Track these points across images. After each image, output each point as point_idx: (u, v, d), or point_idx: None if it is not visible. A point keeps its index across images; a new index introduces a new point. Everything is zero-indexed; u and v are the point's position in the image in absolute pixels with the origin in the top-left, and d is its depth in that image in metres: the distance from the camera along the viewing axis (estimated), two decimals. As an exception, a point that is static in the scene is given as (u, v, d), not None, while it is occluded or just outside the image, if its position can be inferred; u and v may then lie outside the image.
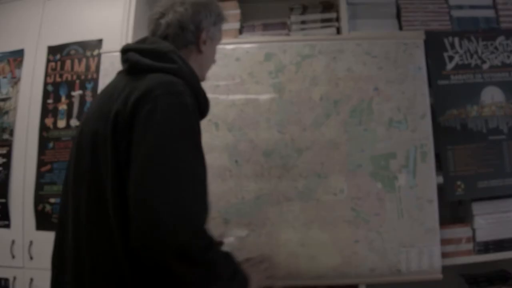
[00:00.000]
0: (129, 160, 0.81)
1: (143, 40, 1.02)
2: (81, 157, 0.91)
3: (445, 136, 1.69)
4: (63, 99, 1.91)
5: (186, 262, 0.76)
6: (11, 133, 1.93)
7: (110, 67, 1.73)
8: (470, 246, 1.65)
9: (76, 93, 1.90)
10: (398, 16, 1.86)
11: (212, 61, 1.16)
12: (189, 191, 0.80)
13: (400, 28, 1.84)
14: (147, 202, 0.76)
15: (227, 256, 0.92)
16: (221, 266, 0.86)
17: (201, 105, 1.00)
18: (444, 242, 1.60)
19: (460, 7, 1.85)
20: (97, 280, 0.85)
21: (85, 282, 0.86)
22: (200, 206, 0.83)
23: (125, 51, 0.98)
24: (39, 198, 1.85)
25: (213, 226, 1.62)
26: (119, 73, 1.01)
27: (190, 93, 0.90)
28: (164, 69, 0.92)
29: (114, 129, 0.84)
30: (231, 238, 1.19)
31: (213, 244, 0.85)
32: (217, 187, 1.63)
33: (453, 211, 1.83)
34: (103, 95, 0.97)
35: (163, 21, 1.01)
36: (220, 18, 1.09)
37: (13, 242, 1.83)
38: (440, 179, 1.66)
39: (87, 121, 0.95)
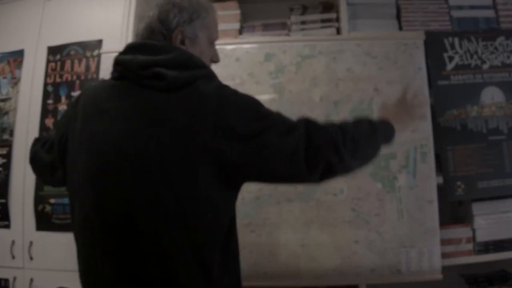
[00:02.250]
0: (237, 157, 0.88)
1: (142, 48, 0.96)
2: (145, 188, 0.87)
3: (445, 137, 1.69)
4: (63, 99, 1.91)
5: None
6: (11, 133, 1.93)
7: (110, 68, 1.72)
8: (470, 246, 1.65)
9: (76, 93, 1.90)
10: (398, 16, 1.86)
11: (207, 61, 1.06)
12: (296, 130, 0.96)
13: (400, 28, 1.84)
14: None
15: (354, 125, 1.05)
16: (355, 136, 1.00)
17: None
18: (444, 242, 1.61)
19: (460, 7, 1.85)
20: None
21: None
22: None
23: (145, 66, 0.92)
24: (39, 199, 1.85)
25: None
26: (134, 87, 0.93)
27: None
28: (201, 75, 0.95)
29: (201, 148, 0.86)
30: None
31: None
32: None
33: (453, 211, 1.83)
34: (140, 117, 0.90)
35: (140, 26, 1.01)
36: (197, 15, 1.00)
37: (13, 242, 1.83)
38: (440, 180, 1.66)
39: (139, 148, 0.88)
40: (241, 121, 0.89)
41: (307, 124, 0.96)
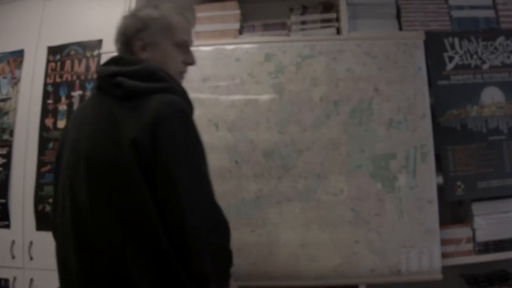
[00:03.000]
0: (157, 181, 0.90)
1: (118, 60, 1.03)
2: (99, 187, 0.94)
3: (445, 137, 1.69)
4: (63, 99, 1.91)
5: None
6: (11, 133, 1.93)
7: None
8: (470, 246, 1.65)
9: (76, 93, 1.90)
10: (398, 16, 1.86)
11: (176, 64, 1.10)
12: (213, 197, 0.98)
13: (400, 28, 1.83)
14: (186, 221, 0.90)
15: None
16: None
17: (192, 110, 1.06)
18: (444, 242, 1.61)
19: (460, 7, 1.85)
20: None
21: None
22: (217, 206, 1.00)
23: (112, 75, 0.99)
24: (39, 199, 1.85)
25: None
26: (103, 97, 1.00)
27: (187, 104, 1.00)
28: (159, 88, 0.97)
29: (135, 156, 0.90)
30: None
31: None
32: (217, 188, 1.61)
33: (453, 211, 1.83)
34: (102, 121, 0.97)
35: (115, 39, 1.09)
36: (152, 21, 1.05)
37: (13, 242, 1.83)
38: (440, 180, 1.66)
39: (92, 149, 0.95)
40: (170, 142, 0.91)
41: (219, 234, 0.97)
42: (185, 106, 0.97)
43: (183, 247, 0.90)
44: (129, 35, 1.06)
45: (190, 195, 0.91)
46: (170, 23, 1.08)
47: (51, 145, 1.88)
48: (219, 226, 0.96)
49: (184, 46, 1.12)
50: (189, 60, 1.14)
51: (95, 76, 1.09)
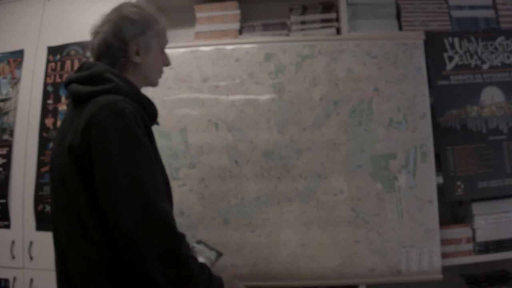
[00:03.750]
0: (94, 184, 0.90)
1: (81, 67, 1.05)
2: (58, 189, 0.98)
3: (445, 137, 1.69)
4: (63, 99, 1.91)
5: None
6: (11, 133, 1.93)
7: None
8: (470, 246, 1.65)
9: (76, 93, 1.90)
10: (398, 16, 1.86)
11: (160, 66, 1.14)
12: (156, 200, 0.91)
13: (400, 28, 1.83)
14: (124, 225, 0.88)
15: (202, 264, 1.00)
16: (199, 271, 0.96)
17: (148, 112, 1.05)
18: (444, 242, 1.61)
19: (460, 7, 1.85)
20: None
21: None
22: (166, 208, 0.92)
23: (67, 84, 1.01)
24: (39, 199, 1.85)
25: (214, 227, 1.63)
26: (69, 105, 1.06)
27: (132, 105, 0.96)
28: (103, 91, 0.96)
29: (73, 161, 0.92)
30: (201, 258, 1.22)
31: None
32: (217, 188, 1.63)
33: (453, 211, 1.83)
34: (60, 129, 1.03)
35: (95, 42, 1.07)
36: (148, 25, 1.07)
37: (13, 242, 1.84)
38: (440, 180, 1.66)
39: (54, 155, 1.03)
40: (101, 146, 0.89)
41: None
42: (123, 106, 0.92)
43: (127, 251, 0.88)
44: (126, 39, 1.04)
45: (124, 198, 0.87)
46: (160, 28, 1.11)
47: (51, 145, 1.88)
48: (160, 229, 0.89)
49: (164, 49, 1.15)
50: (167, 61, 1.17)
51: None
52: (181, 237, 0.93)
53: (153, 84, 1.16)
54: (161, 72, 1.16)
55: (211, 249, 1.31)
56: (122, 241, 0.88)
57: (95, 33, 1.07)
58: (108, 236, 0.90)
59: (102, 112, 0.90)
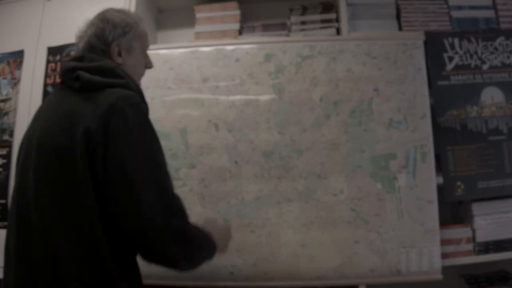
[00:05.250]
0: (107, 170, 0.91)
1: (81, 58, 1.07)
2: (42, 169, 0.97)
3: (445, 137, 1.69)
4: (63, 100, 1.91)
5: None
6: (11, 134, 1.93)
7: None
8: (470, 246, 1.65)
9: (76, 94, 1.90)
10: (398, 16, 1.86)
11: (141, 68, 1.19)
12: (170, 185, 0.99)
13: (400, 28, 1.84)
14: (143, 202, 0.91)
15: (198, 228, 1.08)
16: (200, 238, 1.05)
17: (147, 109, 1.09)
18: (444, 242, 1.61)
19: (460, 7, 1.85)
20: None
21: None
22: (176, 194, 0.99)
23: (72, 69, 1.03)
24: (39, 199, 1.85)
25: (213, 227, 1.62)
26: (65, 89, 1.05)
27: (141, 101, 1.03)
28: (116, 84, 1.01)
29: (86, 144, 0.92)
30: None
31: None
32: (217, 188, 1.63)
33: (453, 211, 1.83)
34: (56, 111, 1.02)
35: (79, 45, 1.12)
36: (129, 28, 1.11)
37: (13, 243, 1.83)
38: (440, 180, 1.66)
39: (44, 135, 0.99)
40: (123, 133, 0.93)
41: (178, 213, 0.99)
42: (138, 101, 0.99)
43: (142, 233, 0.91)
44: (108, 40, 1.09)
45: (145, 183, 0.91)
46: (141, 30, 1.15)
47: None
48: (177, 212, 0.97)
49: (146, 51, 1.19)
50: (149, 64, 1.21)
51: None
52: (188, 218, 1.01)
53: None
54: (142, 74, 1.20)
55: None
56: (136, 221, 0.91)
57: (80, 37, 1.12)
58: (106, 226, 0.92)
59: (121, 102, 0.95)
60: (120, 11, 1.15)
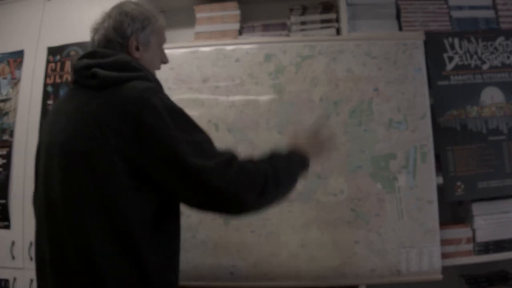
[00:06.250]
0: (149, 163, 0.91)
1: (92, 54, 1.04)
2: (70, 176, 0.94)
3: (445, 137, 1.69)
4: (63, 100, 1.91)
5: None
6: (11, 134, 1.93)
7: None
8: (470, 246, 1.65)
9: (76, 94, 1.90)
10: (398, 16, 1.86)
11: (157, 63, 1.17)
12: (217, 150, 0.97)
13: (400, 28, 1.84)
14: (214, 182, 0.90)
15: (269, 158, 1.05)
16: (273, 169, 1.00)
17: None
18: (444, 242, 1.61)
19: (459, 7, 1.85)
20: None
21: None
22: (229, 157, 0.96)
23: (86, 67, 1.00)
24: (39, 199, 1.85)
25: (214, 227, 1.63)
26: (80, 88, 1.02)
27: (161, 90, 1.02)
28: (134, 77, 0.98)
29: (119, 146, 0.90)
30: None
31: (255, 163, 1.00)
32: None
33: (453, 211, 1.83)
34: (77, 113, 0.98)
35: (95, 38, 1.09)
36: (148, 22, 1.09)
37: (13, 243, 1.83)
38: (440, 180, 1.66)
39: (68, 140, 0.96)
40: (158, 124, 0.91)
41: (233, 157, 0.97)
42: (161, 91, 0.99)
43: (222, 197, 0.91)
44: (127, 34, 1.06)
45: (200, 159, 0.90)
46: (159, 25, 1.13)
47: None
48: (237, 171, 0.94)
49: (162, 46, 1.17)
50: (165, 59, 1.19)
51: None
52: (246, 163, 0.97)
53: None
54: (158, 69, 1.18)
55: None
56: (212, 196, 0.91)
57: (95, 29, 1.09)
58: (147, 228, 0.91)
59: (147, 94, 0.93)
60: (138, 4, 1.11)
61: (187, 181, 0.90)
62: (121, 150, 0.90)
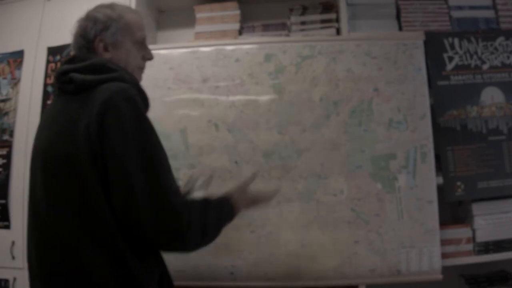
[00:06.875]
0: (108, 169, 0.90)
1: (72, 60, 1.06)
2: (50, 180, 0.96)
3: (445, 137, 1.69)
4: (63, 100, 1.91)
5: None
6: (11, 134, 1.93)
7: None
8: (470, 246, 1.65)
9: (76, 94, 1.90)
10: (398, 16, 1.86)
11: (136, 61, 1.13)
12: (169, 180, 0.95)
13: (400, 28, 1.84)
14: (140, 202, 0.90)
15: (203, 203, 1.04)
16: (202, 214, 1.00)
17: (145, 101, 1.06)
18: (444, 242, 1.61)
19: (460, 7, 1.85)
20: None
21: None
22: (175, 187, 0.97)
23: (65, 73, 1.02)
24: (39, 199, 1.85)
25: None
26: (62, 95, 1.04)
27: (137, 93, 0.99)
28: (109, 78, 0.98)
29: (88, 148, 0.91)
30: (200, 190, 1.32)
31: (188, 204, 1.00)
32: (217, 188, 1.62)
33: (453, 211, 1.83)
34: (58, 118, 1.00)
35: (71, 44, 1.11)
36: (111, 21, 1.08)
37: (13, 243, 1.83)
38: (440, 180, 1.66)
39: (48, 145, 0.98)
40: (117, 127, 0.91)
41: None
42: (134, 94, 0.96)
43: (144, 230, 0.91)
44: (90, 37, 1.07)
45: (137, 176, 0.89)
46: (128, 22, 1.10)
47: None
48: (174, 209, 0.92)
49: (142, 43, 1.14)
50: (148, 56, 1.17)
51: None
52: (184, 214, 0.94)
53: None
54: (139, 67, 1.15)
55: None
56: (132, 215, 0.90)
57: (71, 38, 1.11)
58: (104, 222, 0.90)
59: (116, 97, 0.93)
60: (108, 6, 1.11)
61: (122, 196, 0.90)
62: (91, 153, 0.90)
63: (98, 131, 0.90)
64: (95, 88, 0.96)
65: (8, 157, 1.92)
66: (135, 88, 1.02)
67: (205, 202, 1.05)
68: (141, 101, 0.99)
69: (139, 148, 0.91)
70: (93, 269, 0.90)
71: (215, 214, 1.05)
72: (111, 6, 1.12)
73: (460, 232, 1.66)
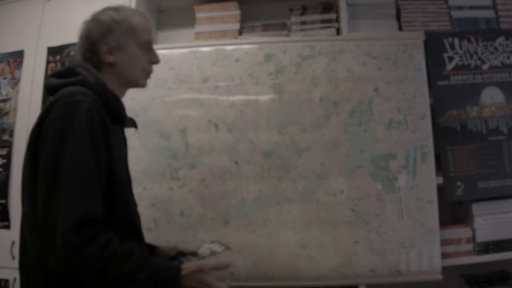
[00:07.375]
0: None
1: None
2: (22, 181, 1.01)
3: (445, 137, 1.69)
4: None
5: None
6: (11, 134, 1.93)
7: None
8: (470, 246, 1.65)
9: (76, 94, 1.90)
10: (398, 16, 1.86)
11: (142, 64, 1.12)
12: (71, 201, 0.87)
13: (400, 28, 1.84)
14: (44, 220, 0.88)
15: (130, 252, 0.93)
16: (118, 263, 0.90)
17: (113, 109, 1.04)
18: (444, 242, 1.61)
19: (460, 7, 1.85)
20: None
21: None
22: (79, 210, 0.87)
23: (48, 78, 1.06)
24: (39, 199, 1.85)
25: (213, 227, 1.63)
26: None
27: (93, 98, 0.96)
28: (71, 83, 0.99)
29: (29, 146, 0.96)
30: (207, 251, 1.22)
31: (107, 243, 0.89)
32: (217, 188, 1.63)
33: (453, 211, 1.83)
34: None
35: (76, 47, 1.12)
36: (116, 24, 1.07)
37: (13, 243, 1.83)
38: (440, 180, 1.66)
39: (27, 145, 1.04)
40: (45, 133, 0.92)
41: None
42: (80, 99, 0.93)
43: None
44: (93, 40, 1.06)
45: (43, 187, 0.89)
46: (133, 25, 1.10)
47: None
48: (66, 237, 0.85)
49: (147, 46, 1.13)
50: (154, 59, 1.16)
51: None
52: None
53: (138, 84, 1.15)
54: (146, 71, 1.14)
55: (222, 245, 1.28)
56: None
57: (77, 39, 1.12)
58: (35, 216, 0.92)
59: (59, 100, 0.94)
60: (114, 9, 1.11)
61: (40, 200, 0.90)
62: (32, 154, 0.95)
63: (36, 132, 0.95)
64: (57, 91, 0.98)
65: (8, 157, 1.92)
66: (98, 93, 0.99)
67: (135, 253, 0.93)
68: (95, 106, 0.95)
69: (52, 159, 0.89)
70: (31, 249, 0.94)
71: (138, 267, 0.91)
72: (116, 9, 1.11)
73: (460, 232, 1.66)
